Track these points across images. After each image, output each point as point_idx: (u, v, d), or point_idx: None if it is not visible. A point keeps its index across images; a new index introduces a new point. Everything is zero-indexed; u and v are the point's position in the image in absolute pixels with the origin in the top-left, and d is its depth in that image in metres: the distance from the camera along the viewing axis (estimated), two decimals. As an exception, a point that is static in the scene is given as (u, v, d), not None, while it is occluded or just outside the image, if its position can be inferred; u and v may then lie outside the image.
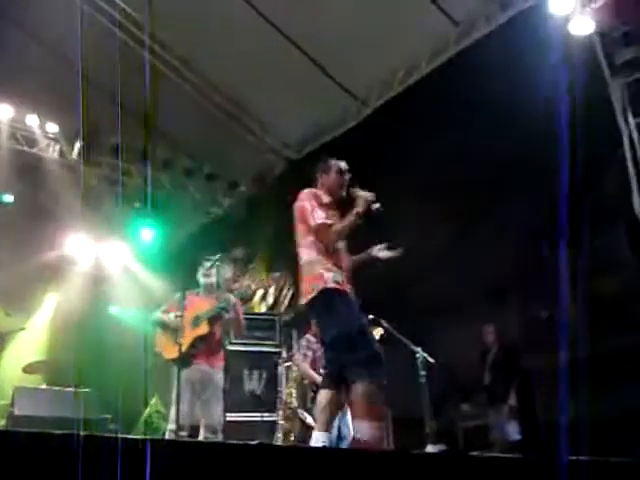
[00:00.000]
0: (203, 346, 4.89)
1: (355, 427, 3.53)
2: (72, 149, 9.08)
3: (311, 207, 3.88)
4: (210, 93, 8.82)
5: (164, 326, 5.02)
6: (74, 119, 7.67)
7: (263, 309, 9.49)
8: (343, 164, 4.11)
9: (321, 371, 5.90)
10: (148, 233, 9.94)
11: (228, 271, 9.96)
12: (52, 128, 8.87)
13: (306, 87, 8.28)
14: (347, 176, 4.06)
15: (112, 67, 6.40)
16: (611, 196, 6.08)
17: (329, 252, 3.83)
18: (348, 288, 3.76)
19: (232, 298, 5.07)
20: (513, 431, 6.62)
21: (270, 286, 9.66)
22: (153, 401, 8.48)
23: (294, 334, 8.18)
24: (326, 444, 3.48)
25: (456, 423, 6.98)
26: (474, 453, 3.66)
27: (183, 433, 4.51)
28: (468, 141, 6.63)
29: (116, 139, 8.44)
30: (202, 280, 5.14)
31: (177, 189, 10.04)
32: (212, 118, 8.96)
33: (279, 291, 9.56)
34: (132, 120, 8.20)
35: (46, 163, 8.94)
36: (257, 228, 9.81)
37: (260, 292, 9.77)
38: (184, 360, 4.75)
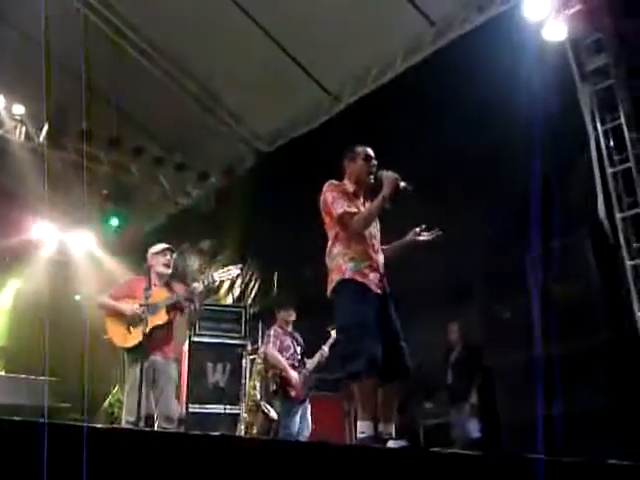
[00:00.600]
0: (159, 335, 4.80)
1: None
2: (39, 132, 8.90)
3: (332, 198, 3.83)
4: (183, 82, 8.74)
5: (114, 313, 4.86)
6: (42, 102, 7.53)
7: (229, 301, 9.46)
8: (369, 150, 3.99)
9: (285, 363, 5.92)
10: (115, 221, 9.82)
11: (195, 262, 9.94)
12: (19, 110, 8.68)
13: (280, 80, 8.25)
14: (374, 162, 3.93)
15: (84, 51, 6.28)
16: (577, 200, 6.18)
17: (354, 241, 3.78)
18: (374, 278, 3.70)
19: (198, 286, 4.95)
20: (474, 429, 6.70)
21: (237, 277, 9.63)
22: (114, 390, 8.40)
23: (260, 327, 8.17)
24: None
25: (418, 421, 7.04)
26: (434, 449, 3.71)
27: (141, 424, 4.45)
28: (439, 141, 6.67)
29: (84, 124, 8.29)
30: (161, 269, 5.00)
31: (146, 178, 9.93)
32: (184, 107, 8.88)
33: (246, 284, 9.53)
34: (102, 105, 8.09)
35: (11, 145, 8.74)
36: (226, 220, 9.77)
37: (227, 284, 9.73)
38: (139, 349, 4.66)
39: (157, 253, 5.01)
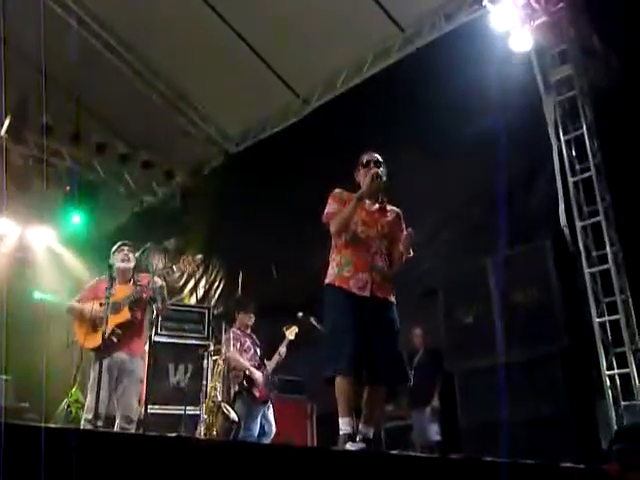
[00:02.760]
0: (124, 333, 4.76)
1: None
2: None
3: (328, 205, 3.88)
4: (151, 79, 8.65)
5: (80, 316, 4.86)
6: (1, 95, 7.37)
7: (193, 301, 9.38)
8: (367, 156, 3.98)
9: (247, 363, 5.90)
10: (77, 218, 9.65)
11: (160, 261, 9.83)
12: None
13: (249, 81, 8.23)
14: (372, 166, 3.90)
15: (46, 43, 6.16)
16: (539, 208, 6.29)
17: (345, 246, 3.79)
18: (357, 282, 3.68)
19: (158, 281, 4.93)
20: (434, 432, 6.77)
21: (201, 277, 9.56)
22: (73, 390, 8.24)
23: (223, 328, 8.12)
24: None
25: (379, 423, 7.08)
26: (393, 452, 3.73)
27: (99, 423, 4.40)
28: (406, 145, 6.73)
29: (44, 118, 8.11)
30: (120, 265, 4.97)
31: (111, 175, 9.80)
32: (152, 105, 8.79)
33: (210, 284, 9.47)
34: (65, 100, 7.96)
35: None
36: (191, 219, 9.70)
37: (191, 284, 9.65)
38: (104, 348, 4.61)
39: (115, 251, 5.01)
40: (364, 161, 3.97)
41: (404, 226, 3.94)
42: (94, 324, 4.70)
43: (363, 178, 3.89)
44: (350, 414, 3.51)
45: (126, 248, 5.03)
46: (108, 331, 4.53)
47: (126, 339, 4.75)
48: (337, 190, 3.97)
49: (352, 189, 3.90)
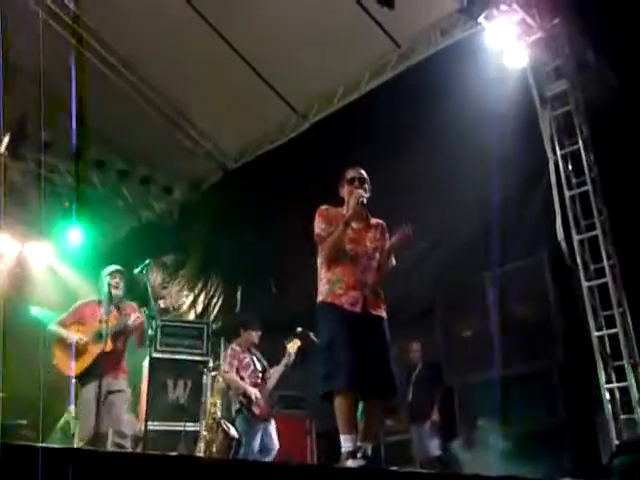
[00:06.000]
0: (106, 361, 4.81)
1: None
2: (-2, 142, 8.72)
3: (315, 223, 3.92)
4: (150, 95, 8.69)
5: (61, 340, 4.93)
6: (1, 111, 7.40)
7: (192, 317, 9.36)
8: (352, 172, 4.00)
9: (247, 380, 5.88)
10: (76, 234, 9.65)
11: (158, 277, 9.83)
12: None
13: (247, 97, 8.27)
14: (357, 184, 3.92)
15: (47, 61, 6.21)
16: (535, 222, 6.32)
17: (334, 263, 3.81)
18: (349, 298, 3.71)
19: (132, 317, 4.98)
20: (434, 447, 6.74)
21: (200, 293, 9.56)
22: (71, 407, 8.20)
23: (223, 343, 8.11)
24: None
25: (378, 438, 7.05)
26: (393, 468, 3.73)
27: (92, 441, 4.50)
28: (401, 160, 6.77)
29: (43, 134, 8.15)
30: (111, 291, 5.03)
31: (109, 190, 9.81)
32: (150, 121, 8.82)
33: (209, 299, 9.46)
34: (64, 116, 7.98)
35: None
36: (189, 235, 9.70)
37: (189, 300, 9.64)
38: (87, 376, 4.74)
39: (107, 275, 5.06)
40: (349, 177, 4.00)
41: (388, 237, 4.00)
42: (76, 351, 4.82)
43: (348, 195, 3.94)
44: (351, 431, 3.52)
45: (118, 276, 5.08)
46: (90, 360, 4.66)
47: (111, 363, 4.85)
48: (323, 207, 3.99)
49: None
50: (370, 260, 3.89)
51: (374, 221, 4.04)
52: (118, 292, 5.08)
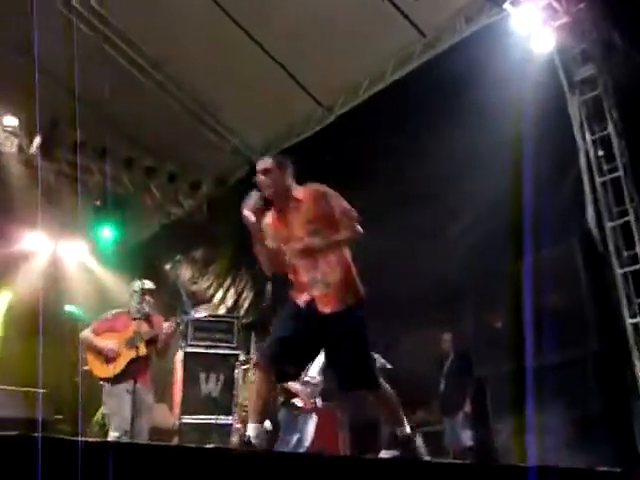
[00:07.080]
0: (138, 366, 5.12)
1: None
2: (31, 144, 8.88)
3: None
4: (175, 92, 8.76)
5: (94, 348, 5.14)
6: (34, 113, 7.53)
7: (222, 311, 9.44)
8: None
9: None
10: (108, 232, 9.79)
11: (187, 273, 9.94)
12: (11, 122, 8.68)
13: (272, 91, 8.29)
14: (260, 176, 3.78)
15: (77, 63, 6.30)
16: (567, 210, 6.23)
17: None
18: (304, 295, 3.51)
19: (165, 325, 5.26)
20: (467, 437, 6.73)
21: (229, 287, 9.63)
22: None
23: (253, 337, 8.16)
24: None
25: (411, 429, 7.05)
26: (426, 458, 3.73)
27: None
28: (429, 150, 6.72)
29: (76, 135, 8.30)
30: (139, 305, 5.28)
31: (138, 188, 9.92)
32: (176, 117, 8.90)
33: (239, 294, 9.53)
34: (94, 117, 8.10)
35: (4, 157, 8.74)
36: (218, 230, 9.76)
37: (220, 294, 9.72)
38: (120, 375, 5.04)
39: (137, 290, 5.36)
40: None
41: (332, 200, 3.64)
42: (107, 357, 5.11)
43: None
44: (255, 419, 3.34)
45: (147, 295, 5.37)
46: (123, 364, 5.03)
47: (141, 371, 5.16)
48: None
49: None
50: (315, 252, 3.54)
51: (299, 198, 3.70)
52: (148, 306, 5.28)
